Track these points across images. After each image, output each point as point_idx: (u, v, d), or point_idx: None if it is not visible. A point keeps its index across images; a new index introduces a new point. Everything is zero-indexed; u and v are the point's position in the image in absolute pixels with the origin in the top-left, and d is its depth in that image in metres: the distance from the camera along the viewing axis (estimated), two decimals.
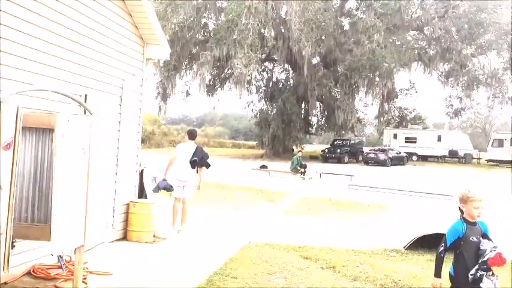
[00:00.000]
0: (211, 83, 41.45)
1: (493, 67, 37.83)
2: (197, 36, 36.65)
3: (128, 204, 7.36)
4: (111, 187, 6.89)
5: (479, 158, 41.39)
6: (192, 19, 33.65)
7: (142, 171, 8.36)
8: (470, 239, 3.85)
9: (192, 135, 8.69)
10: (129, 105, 7.34)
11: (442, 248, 3.93)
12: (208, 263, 6.30)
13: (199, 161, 8.41)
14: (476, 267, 3.79)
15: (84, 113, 4.76)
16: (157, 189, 8.43)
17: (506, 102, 37.86)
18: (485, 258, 3.78)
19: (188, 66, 38.73)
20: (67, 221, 4.07)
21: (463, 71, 34.98)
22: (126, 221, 7.35)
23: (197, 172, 8.45)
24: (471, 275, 3.77)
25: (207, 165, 8.64)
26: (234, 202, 12.72)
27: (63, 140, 4.05)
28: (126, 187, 7.38)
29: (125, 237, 7.28)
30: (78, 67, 5.93)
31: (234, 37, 30.54)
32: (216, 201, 12.70)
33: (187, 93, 41.77)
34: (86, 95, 4.82)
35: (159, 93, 38.97)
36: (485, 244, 3.85)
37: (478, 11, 32.84)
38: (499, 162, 36.46)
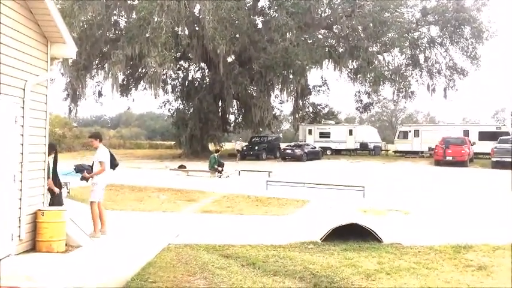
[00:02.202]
0: (124, 82, 40.29)
1: (396, 63, 40.35)
2: (107, 34, 35.35)
3: (35, 213, 6.91)
4: (15, 196, 6.44)
5: (387, 150, 43.95)
6: (101, 17, 32.36)
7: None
8: None
9: (100, 137, 8.58)
10: (33, 107, 6.88)
11: None
12: (125, 268, 6.08)
13: (114, 163, 8.61)
14: None
15: None
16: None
17: (409, 97, 40.52)
18: None
19: (99, 65, 37.27)
20: None
21: (370, 67, 36.83)
22: (35, 230, 6.90)
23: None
24: None
25: (115, 167, 8.75)
26: (151, 204, 12.41)
27: None
28: (33, 195, 6.91)
29: (34, 248, 6.82)
30: None
31: (147, 35, 29.81)
32: (133, 204, 12.33)
33: (100, 94, 40.30)
34: None
35: (68, 95, 37.17)
36: None
37: (382, 11, 34.72)
38: (405, 153, 38.96)
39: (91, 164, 8.49)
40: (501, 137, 30.64)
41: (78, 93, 35.68)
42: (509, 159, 26.91)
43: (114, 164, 8.67)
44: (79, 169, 8.46)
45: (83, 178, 8.35)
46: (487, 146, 31.04)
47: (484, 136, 34.91)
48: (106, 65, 33.55)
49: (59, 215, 7.03)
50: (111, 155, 8.59)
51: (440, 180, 20.49)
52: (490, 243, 7.73)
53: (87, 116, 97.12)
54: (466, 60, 39.28)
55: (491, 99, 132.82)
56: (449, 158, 28.91)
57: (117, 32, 36.57)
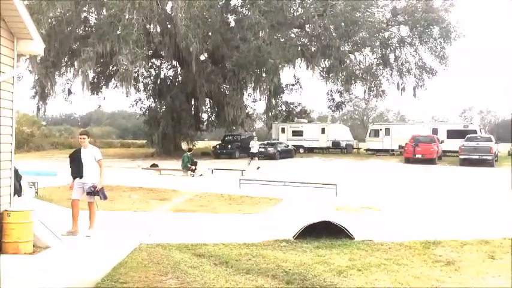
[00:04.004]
0: (95, 80, 39.61)
1: (367, 63, 40.91)
2: (77, 31, 34.69)
3: (1, 214, 6.72)
4: None
5: (358, 148, 44.54)
6: (70, 13, 31.70)
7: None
8: None
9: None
10: None
11: None
12: (95, 269, 5.98)
13: None
14: None
15: None
16: (105, 197, 8.50)
17: (380, 96, 41.15)
18: None
19: (69, 63, 36.55)
20: None
21: (342, 66, 37.22)
22: (1, 232, 6.71)
23: None
24: None
25: None
26: (123, 203, 12.24)
27: None
28: None
29: (0, 250, 6.64)
30: None
31: (118, 33, 29.34)
32: (104, 203, 12.08)
33: (69, 92, 39.46)
34: None
35: (37, 92, 36.32)
36: None
37: (353, 10, 35.08)
38: (376, 151, 39.53)
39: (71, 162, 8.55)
40: (468, 135, 31.42)
41: (46, 91, 34.89)
42: (476, 157, 27.65)
43: None
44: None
45: (94, 193, 8.30)
46: (455, 144, 31.78)
47: (452, 134, 35.72)
48: (76, 62, 32.87)
49: (26, 216, 6.86)
50: None
51: (410, 178, 20.88)
52: (458, 238, 7.90)
53: (56, 114, 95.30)
54: (435, 60, 40.16)
55: (459, 98, 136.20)
56: (418, 156, 29.48)
57: (87, 29, 35.92)
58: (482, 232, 8.39)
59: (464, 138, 30.83)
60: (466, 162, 27.78)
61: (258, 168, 24.83)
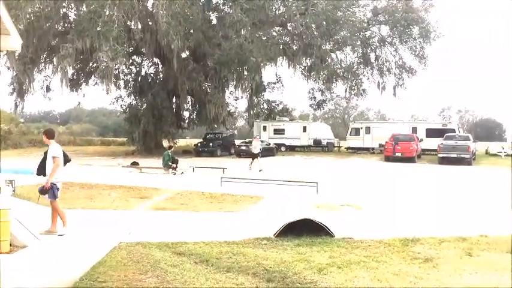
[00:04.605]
0: (74, 77, 39.05)
1: (348, 62, 41.20)
2: (56, 27, 34.08)
3: None
4: None
5: (339, 146, 44.87)
6: (49, 9, 31.20)
7: None
8: None
9: (53, 134, 8.48)
10: None
11: None
12: (73, 269, 5.90)
13: (66, 159, 8.62)
14: None
15: None
16: (53, 196, 8.00)
17: (361, 94, 41.50)
18: None
19: (47, 59, 35.96)
20: None
21: (323, 65, 37.41)
22: None
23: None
24: None
25: (67, 162, 8.77)
26: (103, 202, 12.10)
27: None
28: None
29: None
30: None
31: (98, 29, 28.97)
32: (83, 201, 11.98)
33: (48, 89, 38.70)
34: None
35: (14, 89, 35.66)
36: None
37: (334, 9, 35.29)
38: (356, 150, 39.85)
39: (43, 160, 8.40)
40: (447, 134, 31.90)
41: (25, 87, 34.27)
42: (455, 155, 28.09)
43: (66, 160, 8.58)
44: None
45: (43, 191, 8.00)
46: (434, 143, 32.24)
47: (431, 133, 36.24)
48: (55, 58, 32.37)
49: (3, 215, 6.72)
50: (63, 152, 8.46)
51: (390, 176, 21.10)
52: (436, 236, 8.01)
53: (34, 111, 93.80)
54: (415, 60, 40.69)
55: (438, 97, 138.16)
56: (398, 154, 29.83)
57: (66, 25, 35.33)
58: (459, 229, 8.52)
59: (443, 137, 31.29)
60: (444, 161, 28.19)
61: (261, 170, 22.07)
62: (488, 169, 25.47)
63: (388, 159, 30.45)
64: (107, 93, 33.64)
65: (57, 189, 8.06)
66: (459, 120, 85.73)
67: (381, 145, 36.02)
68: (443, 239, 7.84)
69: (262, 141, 37.23)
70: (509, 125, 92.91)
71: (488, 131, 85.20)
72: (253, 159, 23.61)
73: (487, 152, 39.15)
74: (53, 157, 8.04)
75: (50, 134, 8.41)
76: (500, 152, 36.39)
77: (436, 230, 8.49)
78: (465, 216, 10.35)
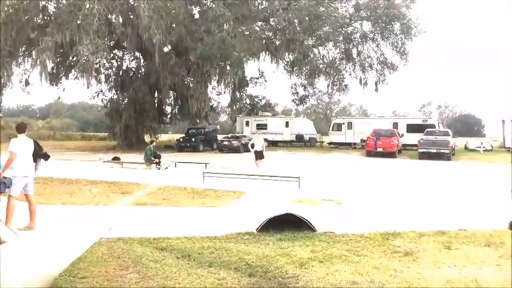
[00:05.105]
0: (54, 71, 38.51)
1: (331, 57, 41.37)
2: (35, 20, 33.51)
3: None
4: None
5: (322, 142, 45.11)
6: (28, 1, 30.63)
7: None
8: None
9: (22, 128, 8.23)
10: None
11: None
12: (53, 265, 5.82)
13: (40, 154, 8.44)
14: None
15: None
16: (4, 188, 7.78)
17: (343, 90, 41.71)
18: None
19: (26, 52, 35.36)
20: None
21: (306, 60, 37.47)
22: None
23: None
24: None
25: (47, 157, 8.62)
26: (83, 197, 11.97)
27: None
28: None
29: None
30: None
31: (78, 22, 28.55)
32: (63, 197, 11.83)
33: (27, 83, 38.14)
34: None
35: None
36: None
37: (317, 5, 35.37)
38: (338, 145, 40.12)
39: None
40: (427, 129, 32.29)
41: (3, 81, 33.61)
42: (434, 151, 28.46)
43: (40, 155, 8.40)
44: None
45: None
46: (414, 138, 32.61)
47: (412, 128, 36.65)
48: (34, 52, 31.78)
49: None
50: (38, 146, 8.34)
51: (372, 171, 21.29)
52: (416, 229, 8.11)
53: (13, 105, 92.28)
54: (396, 56, 41.04)
55: (419, 93, 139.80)
56: (379, 149, 30.09)
57: (45, 17, 34.74)
58: (439, 223, 8.64)
59: (423, 132, 31.66)
60: (424, 156, 28.53)
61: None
62: (467, 164, 25.88)
63: (369, 154, 30.70)
64: (88, 88, 33.22)
65: (11, 183, 7.79)
66: (439, 116, 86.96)
67: (362, 140, 36.28)
68: (423, 232, 7.95)
69: (244, 136, 37.32)
70: (488, 121, 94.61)
71: (467, 126, 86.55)
72: (257, 158, 19.63)
73: (466, 147, 39.76)
74: (10, 152, 7.87)
75: (18, 128, 8.26)
76: (479, 147, 36.98)
77: (416, 224, 8.59)
78: (444, 211, 10.50)
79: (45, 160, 8.49)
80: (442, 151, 28.37)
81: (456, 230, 8.13)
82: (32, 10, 31.73)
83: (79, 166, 21.67)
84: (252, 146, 19.85)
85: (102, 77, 40.14)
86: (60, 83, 40.48)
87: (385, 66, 41.86)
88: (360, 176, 18.71)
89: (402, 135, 34.25)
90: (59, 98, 50.38)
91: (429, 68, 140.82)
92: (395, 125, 37.12)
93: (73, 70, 38.64)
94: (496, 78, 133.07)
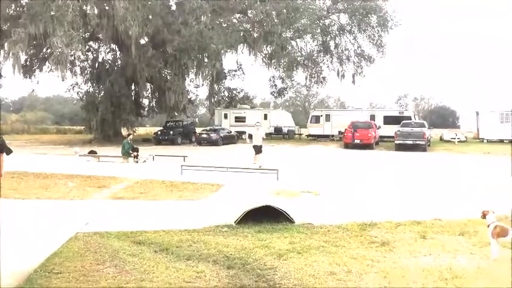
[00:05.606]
0: (27, 63, 37.67)
1: (309, 49, 41.51)
2: (7, 11, 32.63)
3: None
4: None
5: (300, 134, 45.29)
6: None
7: None
8: None
9: None
10: None
11: None
12: (27, 261, 5.71)
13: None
14: None
15: None
16: None
17: (321, 82, 41.94)
18: None
19: None
20: None
21: (284, 53, 37.52)
22: None
23: None
24: None
25: (8, 151, 8.56)
26: (59, 192, 11.75)
27: None
28: None
29: None
30: None
31: (52, 13, 27.92)
32: (38, 192, 11.61)
33: None
34: None
35: None
36: None
37: None
38: (317, 137, 40.36)
39: None
40: (403, 121, 32.71)
41: None
42: (410, 142, 28.87)
43: (6, 150, 8.25)
44: None
45: None
46: (391, 130, 33.02)
47: (389, 120, 37.11)
48: (6, 44, 30.99)
49: None
50: (3, 141, 8.36)
51: (349, 162, 21.48)
52: (393, 220, 8.23)
53: None
54: (373, 48, 41.42)
55: (395, 85, 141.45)
56: (357, 141, 30.37)
57: (18, 8, 33.88)
58: (414, 214, 8.78)
59: (400, 124, 32.06)
60: (401, 147, 28.92)
61: (260, 167, 17.12)
62: (442, 155, 26.32)
63: (347, 146, 30.96)
64: (63, 80, 32.71)
65: None
66: (415, 108, 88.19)
67: (340, 132, 36.58)
68: (399, 223, 8.06)
69: (223, 129, 37.23)
70: (462, 113, 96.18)
71: (442, 118, 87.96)
72: (256, 153, 18.68)
73: (441, 139, 40.47)
74: None
75: None
76: (454, 138, 37.71)
77: (392, 214, 8.71)
78: (420, 201, 10.67)
79: (7, 155, 8.26)
80: (418, 142, 28.79)
81: (431, 220, 8.28)
82: (3, 1, 30.90)
83: (54, 160, 21.29)
84: (250, 137, 18.49)
85: (78, 69, 39.58)
86: (34, 75, 39.66)
87: (362, 59, 42.23)
88: (337, 168, 18.86)
89: (379, 127, 34.63)
90: (33, 91, 49.51)
91: (405, 60, 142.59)
92: (372, 117, 37.50)
93: (47, 62, 37.80)
94: (470, 71, 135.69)
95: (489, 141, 36.20)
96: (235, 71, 45.34)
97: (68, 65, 31.09)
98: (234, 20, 39.99)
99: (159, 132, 36.92)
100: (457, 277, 5.33)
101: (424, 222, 8.14)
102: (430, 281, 5.25)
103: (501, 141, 35.64)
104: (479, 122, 38.60)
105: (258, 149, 18.77)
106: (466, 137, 39.16)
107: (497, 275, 5.42)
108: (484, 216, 6.29)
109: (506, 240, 6.04)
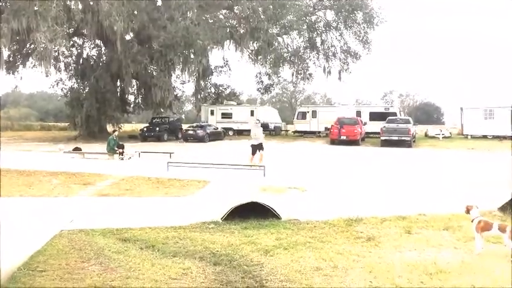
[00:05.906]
0: (10, 59, 37.12)
1: (295, 46, 41.55)
2: None
3: None
4: None
5: (287, 130, 45.40)
6: None
7: None
8: None
9: None
10: None
11: None
12: (10, 259, 5.62)
13: None
14: None
15: None
16: None
17: (307, 78, 42.03)
18: None
19: None
20: None
21: (270, 49, 37.52)
22: None
23: None
24: None
25: None
26: (42, 189, 11.62)
27: None
28: None
29: None
30: None
31: (35, 8, 27.55)
32: (21, 189, 11.46)
33: None
34: None
35: None
36: None
37: None
38: (303, 133, 40.48)
39: None
40: (389, 117, 32.95)
41: None
42: (396, 138, 29.09)
43: None
44: None
45: None
46: (377, 126, 33.23)
47: (374, 116, 37.34)
48: None
49: None
50: None
51: (335, 158, 21.58)
52: (378, 215, 8.28)
53: None
54: (359, 44, 41.60)
55: (381, 82, 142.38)
56: (343, 137, 30.52)
57: (0, 3, 33.36)
58: (399, 209, 8.84)
59: (386, 120, 32.29)
60: (386, 143, 29.13)
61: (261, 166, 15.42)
62: (427, 151, 26.58)
63: (333, 142, 31.10)
64: (47, 76, 32.35)
65: None
66: (400, 104, 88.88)
67: (326, 128, 36.74)
68: (384, 218, 8.12)
69: (209, 125, 37.13)
70: (447, 109, 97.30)
71: (427, 114, 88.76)
72: (254, 153, 17.58)
73: (426, 135, 40.85)
74: None
75: None
76: (438, 134, 38.13)
77: (378, 210, 8.76)
78: (405, 196, 10.75)
79: None
80: (403, 138, 29.03)
81: (416, 215, 8.35)
82: None
83: (38, 157, 21.03)
84: (254, 138, 17.40)
85: (62, 65, 39.16)
86: (17, 71, 39.08)
87: (348, 55, 42.39)
88: (324, 164, 18.94)
89: (365, 123, 34.84)
90: (16, 87, 48.88)
91: (391, 57, 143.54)
92: (358, 114, 37.71)
93: (30, 58, 37.29)
94: (454, 68, 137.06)
95: (473, 137, 36.65)
96: (222, 67, 45.29)
97: (52, 60, 30.79)
98: (221, 16, 39.87)
99: (145, 129, 36.69)
100: (441, 271, 5.38)
101: (409, 217, 8.20)
102: (415, 275, 5.29)
103: (485, 137, 36.13)
104: (464, 118, 39.05)
105: (255, 148, 17.54)
106: (450, 133, 39.61)
107: (481, 269, 5.48)
108: (467, 211, 6.37)
109: (489, 234, 6.12)
